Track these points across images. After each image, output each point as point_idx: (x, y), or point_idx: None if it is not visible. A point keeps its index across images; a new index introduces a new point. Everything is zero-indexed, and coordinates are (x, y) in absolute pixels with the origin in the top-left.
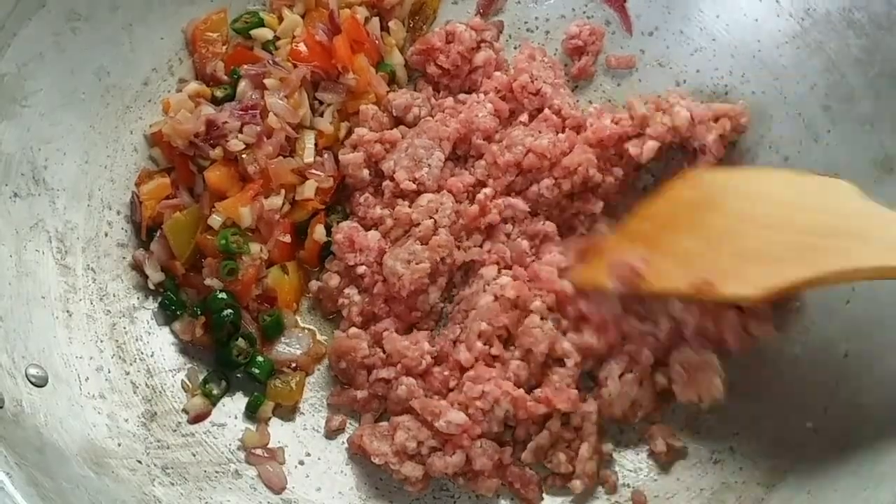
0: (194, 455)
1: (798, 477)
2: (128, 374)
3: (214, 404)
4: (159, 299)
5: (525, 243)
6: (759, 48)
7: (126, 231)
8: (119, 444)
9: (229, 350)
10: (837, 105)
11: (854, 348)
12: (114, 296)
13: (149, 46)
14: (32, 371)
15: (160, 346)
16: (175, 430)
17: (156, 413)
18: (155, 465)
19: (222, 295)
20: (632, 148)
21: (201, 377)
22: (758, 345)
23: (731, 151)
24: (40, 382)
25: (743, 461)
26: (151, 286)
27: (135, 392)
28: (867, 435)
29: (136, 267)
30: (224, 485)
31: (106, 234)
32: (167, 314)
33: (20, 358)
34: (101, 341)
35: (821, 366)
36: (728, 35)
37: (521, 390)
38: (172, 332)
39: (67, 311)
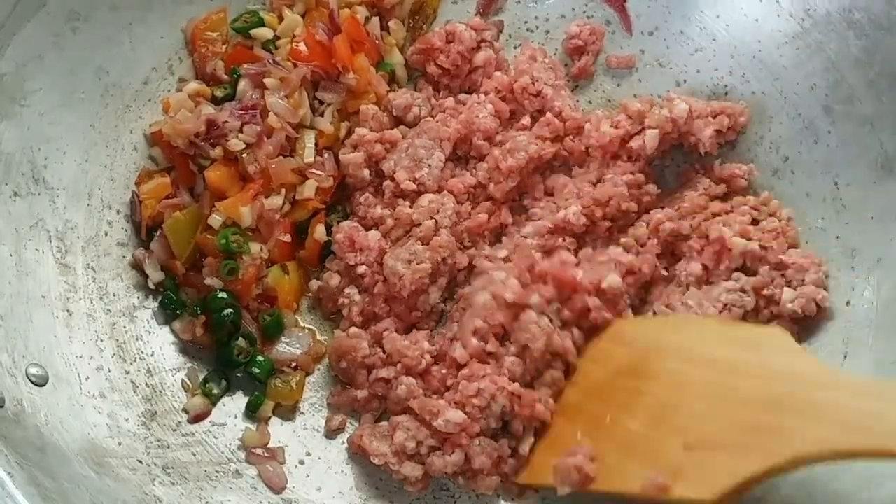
0: (194, 455)
1: (798, 477)
2: (128, 373)
3: (214, 404)
4: (159, 298)
5: (534, 245)
6: (760, 48)
7: (126, 230)
8: (119, 444)
9: (229, 349)
10: (837, 105)
11: (853, 348)
12: (114, 295)
13: (148, 46)
14: (33, 370)
15: (160, 345)
16: (175, 430)
17: (156, 412)
18: (155, 465)
19: (222, 294)
20: (634, 144)
21: (201, 377)
22: None
23: (731, 152)
24: (41, 382)
25: None
26: (151, 285)
27: (135, 391)
28: None
29: (136, 266)
30: (224, 484)
31: (106, 234)
32: (167, 313)
33: (20, 357)
34: (102, 340)
35: None
36: (728, 35)
37: (517, 384)
38: (172, 331)
39: (67, 311)
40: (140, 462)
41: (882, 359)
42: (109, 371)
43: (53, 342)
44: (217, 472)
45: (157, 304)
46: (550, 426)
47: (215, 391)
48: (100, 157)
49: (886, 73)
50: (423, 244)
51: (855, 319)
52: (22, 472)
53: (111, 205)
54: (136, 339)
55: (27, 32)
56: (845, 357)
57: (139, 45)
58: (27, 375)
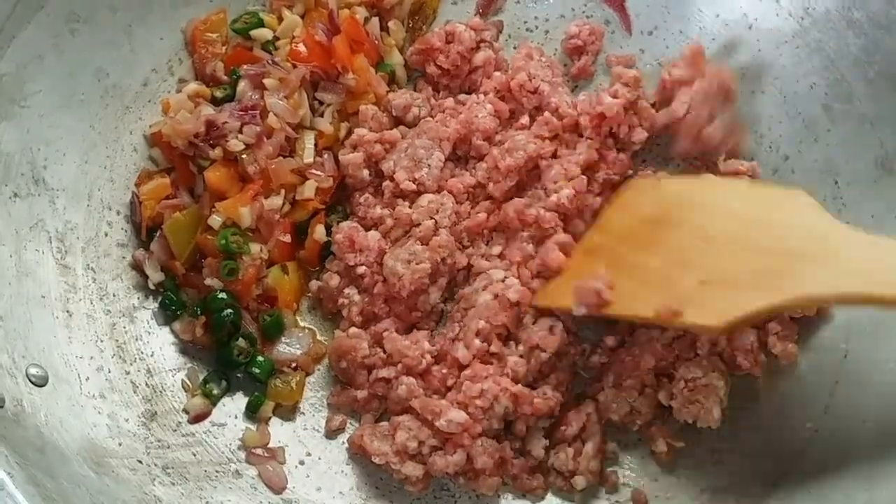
0: (195, 455)
1: (799, 476)
2: (128, 373)
3: (214, 404)
4: (159, 299)
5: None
6: (759, 48)
7: (126, 231)
8: (119, 444)
9: (230, 350)
10: (837, 105)
11: (853, 348)
12: (114, 295)
13: (148, 47)
14: (33, 371)
15: (160, 345)
16: (175, 430)
17: (156, 413)
18: (155, 465)
19: (222, 295)
20: (621, 132)
21: (201, 377)
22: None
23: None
24: (41, 382)
25: (743, 461)
26: (151, 286)
27: (135, 392)
28: (867, 434)
29: (136, 267)
30: (224, 484)
31: (106, 234)
32: (167, 314)
33: (20, 358)
34: (102, 341)
35: (820, 366)
36: (728, 35)
37: (520, 386)
38: (172, 331)
39: (67, 311)
40: (140, 462)
41: (882, 357)
42: (109, 371)
43: (53, 343)
44: (217, 472)
45: (156, 305)
46: (570, 262)
47: (215, 391)
48: (99, 158)
49: (886, 72)
50: (422, 244)
51: (854, 319)
52: (22, 472)
53: (111, 206)
54: (136, 340)
55: (27, 34)
56: (845, 356)
57: (139, 46)
58: (27, 376)
